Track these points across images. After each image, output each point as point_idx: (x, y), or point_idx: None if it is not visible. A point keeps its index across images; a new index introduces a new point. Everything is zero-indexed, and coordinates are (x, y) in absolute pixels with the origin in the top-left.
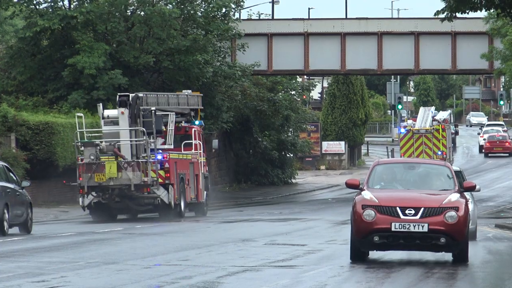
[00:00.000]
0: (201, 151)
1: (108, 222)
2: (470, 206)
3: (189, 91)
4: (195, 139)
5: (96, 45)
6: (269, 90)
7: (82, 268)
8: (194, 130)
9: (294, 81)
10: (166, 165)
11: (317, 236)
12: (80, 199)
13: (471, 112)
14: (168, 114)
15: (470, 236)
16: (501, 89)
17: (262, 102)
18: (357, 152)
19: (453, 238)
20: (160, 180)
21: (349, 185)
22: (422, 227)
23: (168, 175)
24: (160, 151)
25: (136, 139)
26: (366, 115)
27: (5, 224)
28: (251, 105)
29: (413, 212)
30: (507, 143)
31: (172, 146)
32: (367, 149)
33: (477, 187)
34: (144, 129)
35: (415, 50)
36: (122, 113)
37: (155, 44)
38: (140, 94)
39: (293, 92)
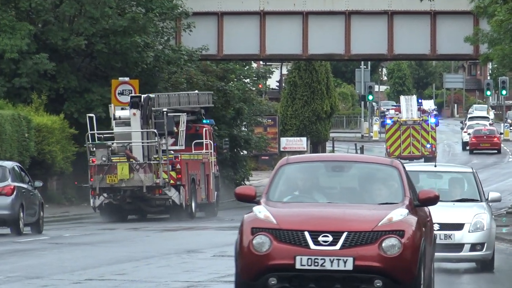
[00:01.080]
0: (212, 150)
1: (118, 222)
2: (486, 219)
3: (127, 78)
4: (205, 139)
5: (18, 25)
6: (219, 79)
7: (1, 284)
8: (205, 130)
9: (248, 67)
10: (178, 166)
11: None
12: (91, 200)
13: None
14: (179, 115)
15: (487, 267)
16: (488, 78)
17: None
18: (321, 149)
19: (395, 280)
20: (171, 181)
21: (240, 197)
22: (345, 262)
23: (180, 176)
24: (172, 152)
25: (148, 140)
26: (332, 107)
27: (21, 223)
28: None
29: (330, 239)
30: (495, 138)
31: (183, 147)
32: (333, 146)
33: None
34: (155, 130)
35: (388, 32)
36: (134, 114)
37: (87, 24)
38: (152, 95)
39: (247, 81)
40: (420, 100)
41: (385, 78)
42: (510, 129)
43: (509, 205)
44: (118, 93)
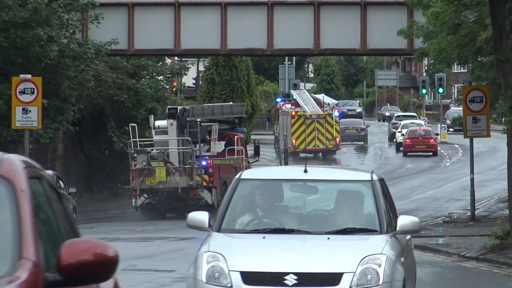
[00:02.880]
0: (243, 156)
1: (158, 220)
2: (383, 265)
3: (29, 76)
4: (237, 145)
5: None
6: (130, 76)
7: None
8: (237, 137)
9: (161, 63)
10: (210, 170)
11: (188, 260)
12: (133, 200)
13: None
14: (211, 124)
15: None
16: (424, 74)
17: (121, 91)
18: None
19: None
20: (204, 184)
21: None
22: None
23: (212, 179)
24: (206, 157)
25: (183, 147)
26: (254, 106)
27: None
28: (107, 94)
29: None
30: (431, 140)
31: (215, 153)
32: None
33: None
34: (190, 138)
35: (315, 25)
36: (171, 124)
37: None
38: (187, 107)
39: (160, 78)
40: (323, 95)
41: (311, 75)
42: (447, 131)
43: (446, 214)
44: (19, 92)
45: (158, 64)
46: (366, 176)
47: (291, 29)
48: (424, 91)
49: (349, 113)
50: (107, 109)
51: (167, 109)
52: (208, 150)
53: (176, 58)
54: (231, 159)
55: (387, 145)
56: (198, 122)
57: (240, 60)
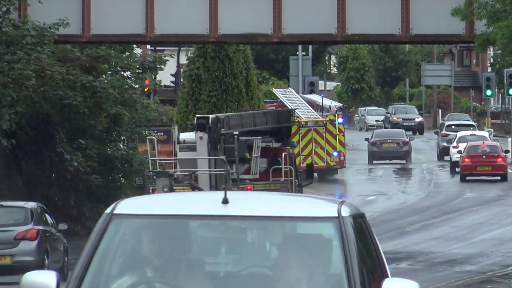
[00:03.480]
0: (293, 178)
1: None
2: None
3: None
4: (285, 164)
5: None
6: (85, 71)
7: None
8: (285, 154)
9: (129, 54)
10: None
11: None
12: None
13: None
14: (253, 139)
15: None
16: (488, 70)
17: (73, 91)
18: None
19: None
20: None
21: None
22: None
23: None
24: (246, 181)
25: (216, 168)
26: None
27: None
28: (54, 96)
29: None
30: (499, 159)
31: (257, 175)
32: None
33: None
34: (224, 157)
35: (338, 2)
36: (201, 138)
37: None
38: (221, 116)
39: (126, 74)
40: (322, 96)
41: (334, 70)
42: None
43: None
44: None
45: (124, 56)
46: (330, 210)
47: (306, 7)
48: (489, 92)
49: (405, 123)
50: (54, 116)
51: (195, 118)
52: (248, 172)
53: (148, 47)
54: (277, 183)
55: (437, 166)
56: (236, 136)
57: (236, 50)
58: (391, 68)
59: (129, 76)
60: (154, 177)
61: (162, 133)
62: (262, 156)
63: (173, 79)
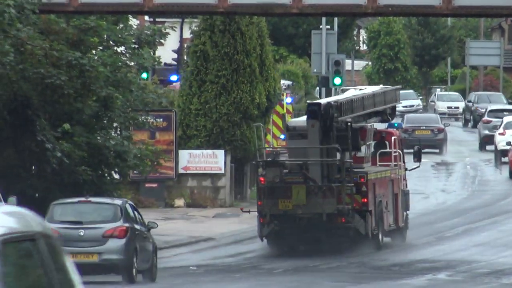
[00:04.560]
0: (401, 162)
1: (290, 255)
2: None
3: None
4: (394, 148)
5: None
6: (72, 45)
7: None
8: (394, 137)
9: (123, 26)
10: (364, 188)
11: None
12: (258, 228)
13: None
14: (365, 126)
15: None
16: None
17: (57, 70)
18: (251, 171)
19: None
20: (356, 207)
21: None
22: None
23: (366, 200)
24: (356, 170)
25: (329, 158)
26: (270, 97)
27: (134, 270)
28: (35, 75)
29: None
30: None
31: (370, 164)
32: None
33: None
34: (338, 146)
35: None
36: (313, 126)
37: None
38: (333, 102)
39: (120, 50)
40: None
41: (364, 47)
42: None
43: None
44: None
45: (118, 28)
46: None
47: None
48: None
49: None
50: (34, 98)
51: (307, 105)
52: (360, 161)
53: (146, 18)
54: (387, 169)
55: (482, 160)
56: (349, 124)
57: (249, 22)
58: (430, 45)
59: (123, 51)
60: (264, 167)
61: (161, 119)
62: (363, 138)
63: (175, 56)
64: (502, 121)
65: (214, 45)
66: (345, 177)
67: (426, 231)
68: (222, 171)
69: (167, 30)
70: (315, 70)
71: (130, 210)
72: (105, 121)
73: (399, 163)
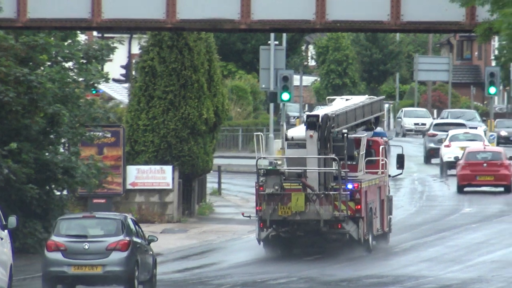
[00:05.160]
0: (386, 170)
1: (285, 258)
2: None
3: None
4: (381, 156)
5: None
6: (21, 62)
7: None
8: (380, 146)
9: (71, 42)
10: (357, 195)
11: None
12: (257, 232)
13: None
14: (361, 136)
15: None
16: (492, 64)
17: (4, 86)
18: (199, 187)
19: None
20: (350, 213)
21: None
22: None
23: (359, 207)
24: (350, 179)
25: (326, 167)
26: (218, 112)
27: (136, 282)
28: None
29: None
30: (503, 167)
31: (362, 172)
32: (219, 182)
33: None
34: (335, 157)
35: None
36: (311, 136)
37: None
38: (330, 114)
39: (68, 65)
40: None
41: (312, 63)
42: None
43: None
44: None
45: (66, 44)
46: None
47: None
48: (492, 89)
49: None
50: None
51: (305, 116)
52: (354, 169)
53: (95, 33)
54: (377, 177)
55: (431, 176)
56: (346, 134)
57: (197, 38)
58: (379, 61)
59: (72, 67)
60: (264, 175)
61: (109, 135)
62: (357, 148)
63: (123, 71)
64: (447, 134)
65: (162, 60)
66: (342, 186)
67: (374, 246)
68: (170, 187)
69: (115, 44)
70: (263, 86)
71: (131, 224)
72: (52, 137)
73: (385, 170)
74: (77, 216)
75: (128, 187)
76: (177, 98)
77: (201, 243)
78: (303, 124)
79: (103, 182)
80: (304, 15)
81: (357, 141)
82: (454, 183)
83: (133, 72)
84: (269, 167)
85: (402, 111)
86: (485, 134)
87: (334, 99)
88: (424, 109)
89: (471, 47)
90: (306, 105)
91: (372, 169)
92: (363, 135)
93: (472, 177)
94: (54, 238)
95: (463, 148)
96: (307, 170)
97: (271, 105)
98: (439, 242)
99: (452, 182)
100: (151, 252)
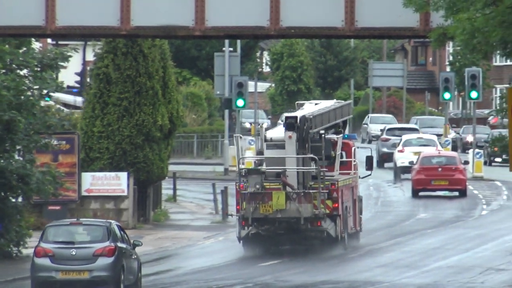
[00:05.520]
0: (358, 171)
1: (241, 264)
2: None
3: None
4: (352, 157)
5: None
6: None
7: None
8: (352, 147)
9: (25, 49)
10: (334, 194)
11: None
12: (238, 230)
13: (370, 115)
14: (337, 137)
15: None
16: (447, 70)
17: None
18: (154, 194)
19: None
20: (327, 211)
21: None
22: None
23: (337, 205)
24: (328, 178)
25: (305, 166)
26: (173, 119)
27: (122, 285)
28: None
29: None
30: (457, 172)
31: (338, 172)
32: (174, 189)
33: None
34: (314, 156)
35: None
36: (290, 137)
37: None
38: (308, 115)
39: (23, 72)
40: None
41: (267, 69)
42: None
43: None
44: None
45: (20, 51)
46: None
47: None
48: (447, 95)
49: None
50: None
51: (284, 118)
52: (331, 169)
53: (49, 41)
54: (350, 177)
55: (386, 181)
56: (323, 135)
57: (151, 45)
58: (333, 67)
59: (27, 74)
60: (245, 174)
61: (63, 142)
62: (333, 149)
63: (78, 78)
64: (401, 139)
65: (117, 67)
66: (320, 185)
67: (329, 252)
68: (125, 194)
69: (70, 53)
70: (218, 92)
71: (117, 230)
72: (7, 144)
73: (356, 171)
74: (64, 222)
75: (83, 193)
76: (132, 105)
77: (156, 250)
78: (281, 126)
79: (58, 189)
80: (258, 22)
81: (336, 142)
82: (409, 188)
83: (88, 79)
84: (250, 167)
85: (368, 117)
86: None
87: (303, 104)
88: (390, 115)
89: (425, 52)
90: (259, 112)
91: (344, 170)
92: (339, 136)
93: (427, 182)
94: (42, 244)
95: (416, 153)
96: (288, 170)
97: (226, 112)
98: (394, 248)
99: (406, 187)
100: (135, 256)
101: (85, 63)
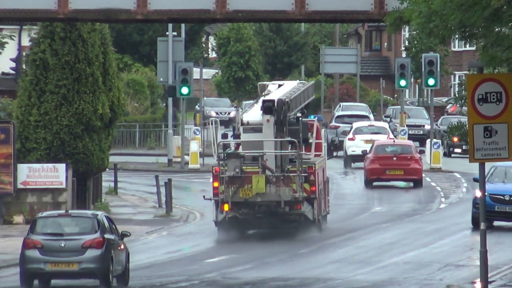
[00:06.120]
0: (325, 152)
1: (241, 240)
2: None
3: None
4: (319, 139)
5: None
6: None
7: None
8: (318, 128)
9: None
10: (312, 177)
11: None
12: (214, 214)
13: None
14: (313, 120)
15: None
16: (403, 55)
17: None
18: (94, 186)
19: None
20: (305, 195)
21: None
22: None
23: (314, 188)
24: (305, 161)
25: (283, 150)
26: (114, 107)
27: (110, 276)
28: None
29: None
30: (413, 161)
31: (313, 155)
32: (115, 181)
33: None
34: (293, 139)
35: None
36: (268, 120)
37: None
38: (285, 98)
39: None
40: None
41: (213, 55)
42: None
43: None
44: None
45: None
46: None
47: None
48: (403, 82)
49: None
50: None
51: (261, 101)
52: (308, 151)
53: None
54: (321, 159)
55: (339, 173)
56: (300, 118)
57: (91, 29)
58: (283, 53)
59: None
60: (224, 158)
61: None
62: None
63: (13, 65)
64: (351, 127)
65: (54, 53)
66: (299, 168)
67: (279, 248)
68: (64, 186)
69: (5, 39)
70: (161, 79)
71: (105, 221)
72: None
73: (323, 152)
74: (53, 214)
75: (19, 186)
76: (71, 93)
77: None
78: (257, 108)
79: None
80: (203, 5)
81: (312, 125)
82: (362, 177)
83: (24, 66)
84: (229, 151)
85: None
86: (393, 128)
87: (266, 85)
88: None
89: (380, 37)
90: (205, 99)
91: (316, 152)
92: (314, 119)
93: (382, 171)
94: (31, 236)
95: (368, 141)
96: (267, 153)
97: (170, 100)
98: (348, 243)
99: (359, 176)
100: (123, 247)
101: (20, 48)
